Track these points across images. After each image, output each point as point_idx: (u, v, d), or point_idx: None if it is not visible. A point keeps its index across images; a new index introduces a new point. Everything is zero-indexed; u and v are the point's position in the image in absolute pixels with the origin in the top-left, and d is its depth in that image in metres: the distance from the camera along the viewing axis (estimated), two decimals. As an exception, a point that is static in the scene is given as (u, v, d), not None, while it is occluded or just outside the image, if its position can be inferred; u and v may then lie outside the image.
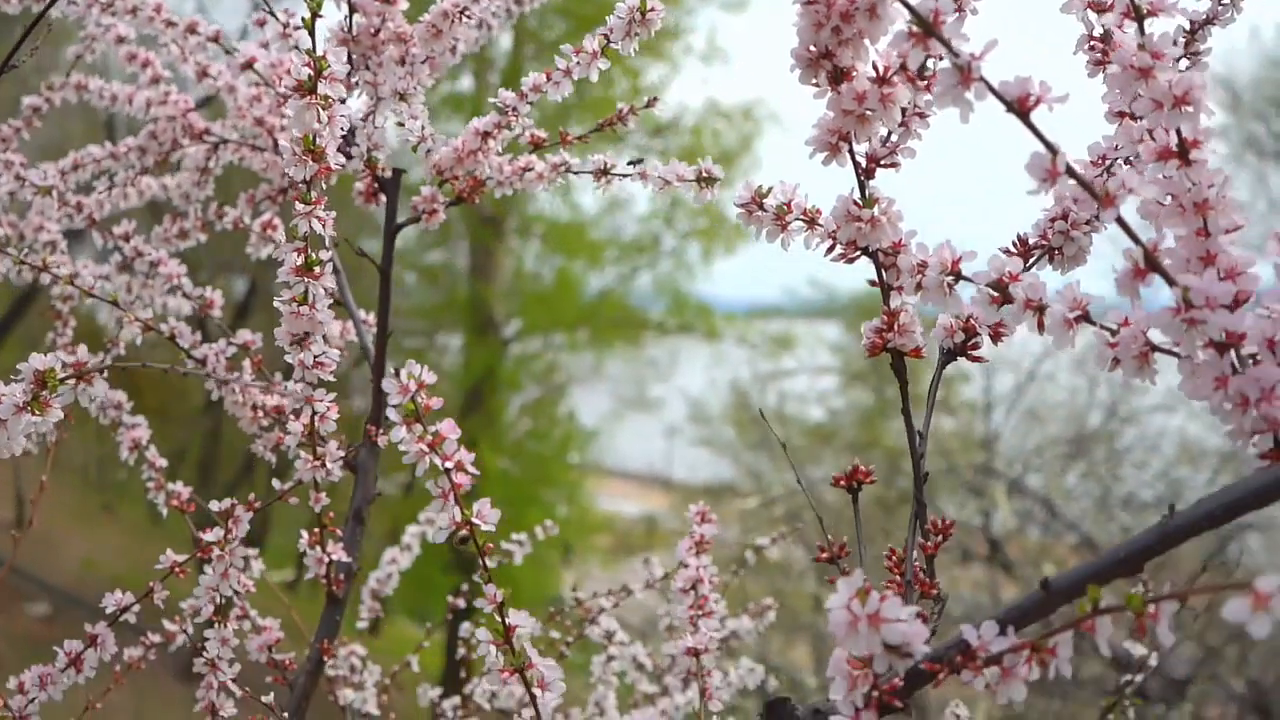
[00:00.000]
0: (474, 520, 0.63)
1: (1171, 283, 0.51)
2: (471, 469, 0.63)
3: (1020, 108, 0.51)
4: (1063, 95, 0.51)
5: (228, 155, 1.23)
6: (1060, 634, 0.50)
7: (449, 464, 0.62)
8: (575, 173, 0.96)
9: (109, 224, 1.22)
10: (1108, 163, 0.70)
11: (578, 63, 0.87)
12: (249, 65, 1.07)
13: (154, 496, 1.09)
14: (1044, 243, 0.69)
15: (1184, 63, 0.72)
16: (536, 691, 0.65)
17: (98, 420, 1.10)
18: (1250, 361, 0.52)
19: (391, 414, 0.62)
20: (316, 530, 0.96)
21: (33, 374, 0.67)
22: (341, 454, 0.91)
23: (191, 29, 1.11)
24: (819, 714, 0.57)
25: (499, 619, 0.65)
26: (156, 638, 1.12)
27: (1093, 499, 6.87)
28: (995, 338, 0.67)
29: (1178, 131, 0.54)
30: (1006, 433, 7.78)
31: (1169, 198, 0.54)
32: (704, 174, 0.84)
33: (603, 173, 0.94)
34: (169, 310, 1.19)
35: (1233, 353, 0.53)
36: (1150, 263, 0.52)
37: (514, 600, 0.68)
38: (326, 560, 0.97)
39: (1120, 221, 0.52)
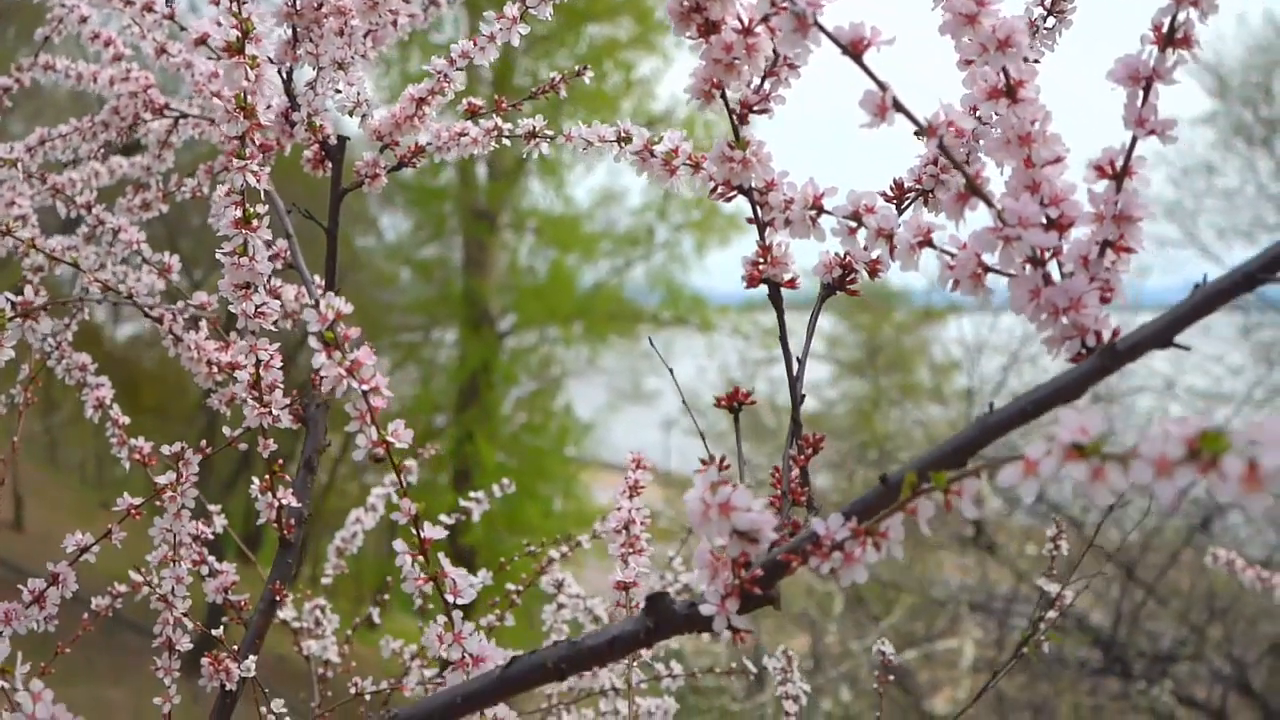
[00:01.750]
0: (389, 439, 0.69)
1: (990, 205, 0.57)
2: (387, 392, 0.69)
3: (854, 50, 0.57)
4: (890, 38, 0.57)
5: (188, 130, 1.29)
6: (889, 517, 0.55)
7: (366, 387, 0.68)
8: (508, 137, 1.02)
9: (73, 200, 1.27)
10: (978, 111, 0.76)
11: (500, 28, 0.94)
12: (202, 41, 1.13)
13: (117, 452, 1.15)
14: (918, 185, 0.75)
15: (1050, 20, 0.79)
16: (449, 598, 0.71)
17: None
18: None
19: (312, 342, 0.68)
20: (268, 477, 1.02)
21: (-15, 314, 0.73)
22: (286, 401, 0.97)
23: (148, 7, 1.16)
24: (693, 607, 0.63)
25: (414, 532, 0.71)
26: (123, 587, 1.18)
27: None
28: (872, 273, 0.73)
29: (1004, 71, 0.60)
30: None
31: (998, 132, 0.60)
32: (623, 134, 0.90)
33: (531, 135, 1.00)
34: (141, 285, 1.25)
35: (1055, 267, 0.59)
36: (971, 188, 0.57)
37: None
38: (277, 505, 1.03)
39: (944, 151, 0.58)
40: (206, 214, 1.31)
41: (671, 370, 0.89)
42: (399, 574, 0.72)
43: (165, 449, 0.95)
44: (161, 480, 0.95)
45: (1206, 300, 0.53)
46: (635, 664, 1.26)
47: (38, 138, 1.28)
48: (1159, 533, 6.35)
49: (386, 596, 1.58)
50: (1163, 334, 0.53)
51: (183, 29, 1.17)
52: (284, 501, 1.03)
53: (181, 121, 1.27)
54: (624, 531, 1.03)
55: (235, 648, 1.01)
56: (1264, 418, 0.38)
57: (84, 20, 1.27)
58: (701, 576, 0.60)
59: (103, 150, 1.26)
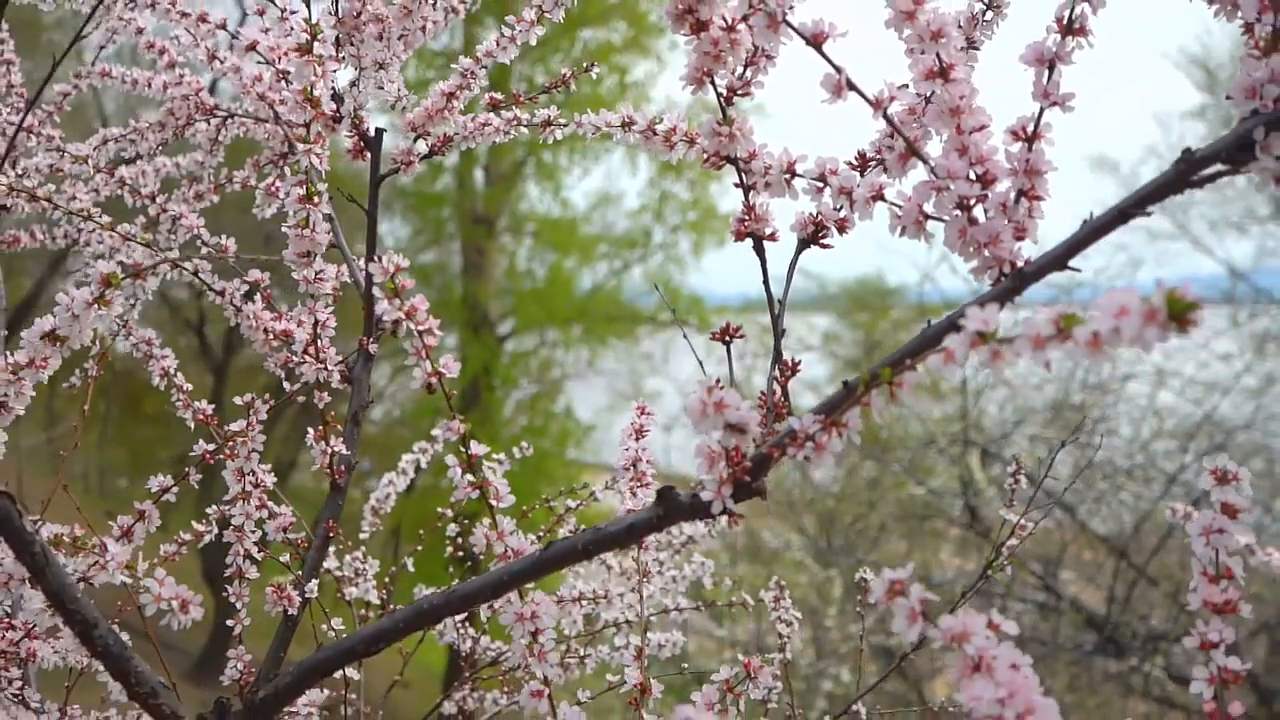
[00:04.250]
0: (441, 370, 0.84)
1: (926, 163, 0.72)
2: (437, 331, 0.83)
3: (816, 42, 0.72)
4: (844, 32, 0.71)
5: (234, 128, 1.43)
6: (848, 409, 0.70)
7: (421, 328, 0.83)
8: (526, 125, 1.16)
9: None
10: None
11: (520, 30, 1.08)
12: (252, 47, 1.27)
13: (182, 414, 1.29)
14: (878, 156, 0.90)
15: (989, 13, 0.93)
16: (494, 501, 0.85)
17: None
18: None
19: (376, 291, 0.82)
20: (322, 427, 1.17)
21: (99, 276, 0.87)
22: (340, 358, 1.11)
23: (202, 19, 1.31)
24: (695, 496, 0.77)
25: (463, 449, 0.85)
26: (187, 536, 1.32)
27: (1070, 467, 7.08)
28: (840, 229, 0.88)
29: (938, 57, 0.74)
30: (991, 408, 8.01)
31: (932, 105, 0.75)
32: (626, 120, 1.04)
33: (547, 123, 1.15)
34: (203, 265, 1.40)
35: (981, 211, 0.74)
36: (910, 149, 0.72)
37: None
38: (330, 453, 1.18)
39: (888, 120, 0.72)
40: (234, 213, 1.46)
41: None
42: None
43: (237, 399, 1.09)
44: (234, 427, 1.10)
45: (1093, 231, 0.67)
46: (647, 600, 1.40)
47: (100, 138, 1.43)
48: (1150, 516, 6.50)
49: (415, 555, 1.72)
50: (1060, 259, 0.68)
51: (234, 37, 1.32)
52: (336, 449, 1.18)
53: (229, 120, 1.42)
54: (632, 468, 1.18)
55: (296, 575, 1.15)
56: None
57: (140, 31, 1.42)
58: (700, 467, 0.74)
59: (160, 148, 1.40)
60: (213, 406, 1.24)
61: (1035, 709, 0.58)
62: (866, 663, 5.69)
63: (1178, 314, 0.48)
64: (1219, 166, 0.66)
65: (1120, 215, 0.66)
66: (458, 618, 1.52)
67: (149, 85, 1.45)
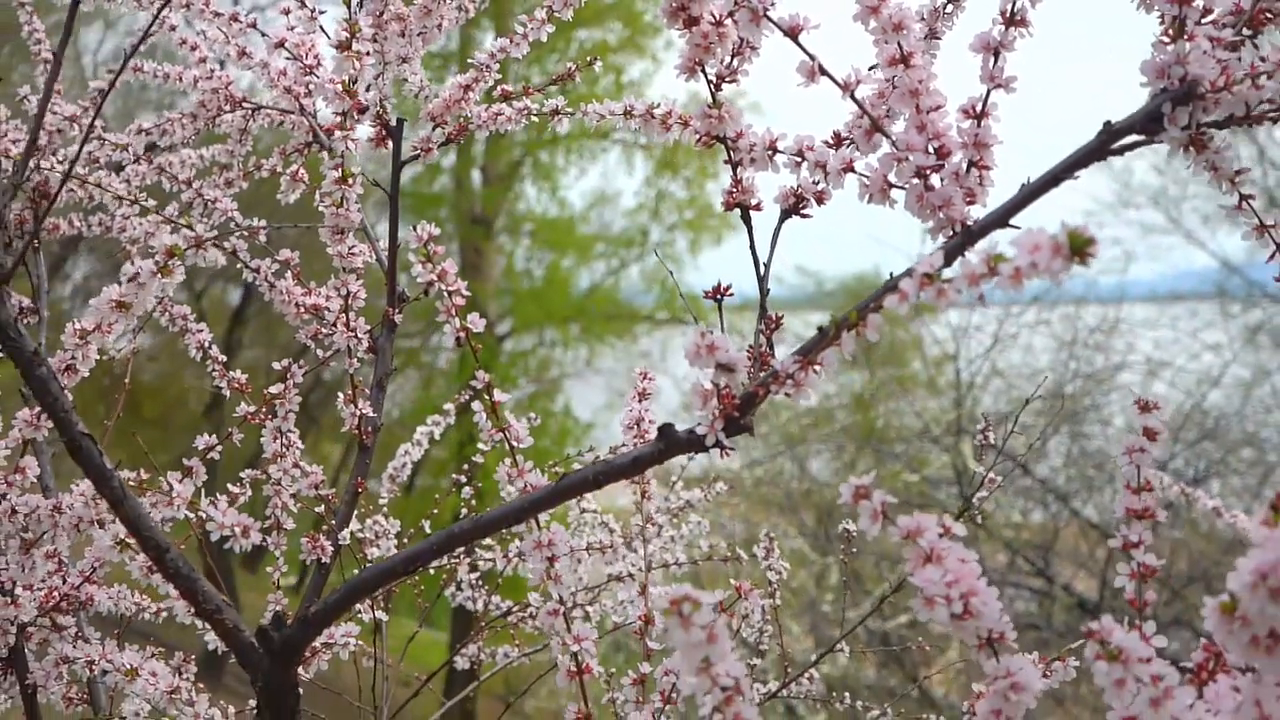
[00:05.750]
0: (468, 326, 0.95)
1: (888, 137, 0.83)
2: (465, 293, 0.94)
3: (792, 33, 0.83)
4: (817, 24, 0.83)
5: (261, 120, 1.55)
6: (823, 350, 0.81)
7: (451, 289, 0.94)
8: (535, 115, 1.28)
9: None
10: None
11: (531, 28, 1.20)
12: (281, 44, 1.39)
13: (218, 383, 1.40)
14: (850, 135, 1.01)
15: (949, 6, 1.04)
16: (514, 442, 0.96)
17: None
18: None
19: (412, 256, 0.93)
20: (350, 391, 1.28)
21: (164, 247, 0.98)
22: (369, 327, 1.23)
23: (234, 18, 1.42)
24: (691, 431, 0.88)
25: (488, 396, 0.97)
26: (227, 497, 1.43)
27: (1062, 456, 7.22)
28: (819, 200, 0.99)
29: (899, 46, 0.86)
30: (986, 398, 8.14)
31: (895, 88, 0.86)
32: (628, 109, 1.16)
33: (555, 113, 1.26)
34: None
35: (937, 179, 0.85)
36: (875, 127, 0.84)
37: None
38: (358, 414, 1.29)
39: (856, 102, 0.84)
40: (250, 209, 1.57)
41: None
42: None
43: (275, 364, 1.21)
44: (273, 390, 1.21)
45: (1029, 194, 0.79)
46: (649, 555, 1.52)
47: (136, 127, 1.54)
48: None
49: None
50: (1001, 219, 0.79)
51: (264, 35, 1.43)
52: (364, 412, 1.29)
53: (256, 112, 1.53)
54: (635, 427, 1.29)
55: (329, 525, 1.27)
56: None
57: (174, 29, 1.53)
58: (695, 404, 0.86)
59: (193, 137, 1.51)
60: (246, 379, 1.35)
61: (977, 591, 0.70)
62: (856, 643, 5.82)
63: (1078, 248, 0.59)
64: (1135, 137, 0.77)
65: (1053, 179, 0.78)
66: (472, 576, 1.64)
67: (180, 79, 1.56)
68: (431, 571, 1.73)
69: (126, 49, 1.68)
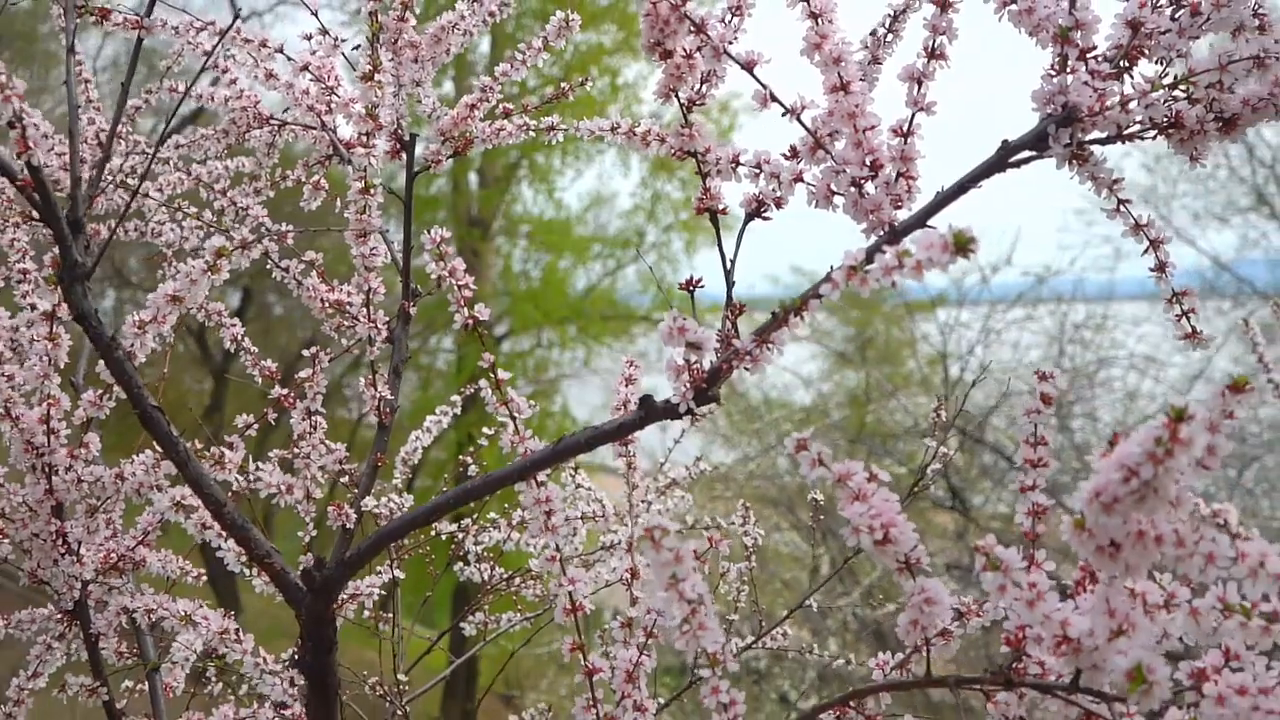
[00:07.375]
0: (476, 315, 1.11)
1: (829, 153, 1.00)
2: (472, 286, 1.11)
3: (748, 66, 0.99)
4: (769, 59, 0.99)
5: (286, 135, 1.71)
6: (774, 329, 0.97)
7: (460, 282, 1.10)
8: (534, 130, 1.44)
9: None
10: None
11: (529, 54, 1.36)
12: (304, 68, 1.55)
13: (251, 370, 1.57)
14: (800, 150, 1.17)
15: (889, 36, 1.21)
16: (516, 414, 1.13)
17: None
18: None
19: (426, 254, 1.09)
20: (370, 375, 1.45)
21: (212, 250, 1.15)
22: (387, 319, 1.39)
23: (263, 44, 1.59)
24: (667, 402, 1.05)
25: (493, 375, 1.13)
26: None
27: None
28: (777, 205, 1.16)
29: (839, 75, 1.02)
30: (976, 394, 8.32)
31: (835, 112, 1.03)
32: (615, 125, 1.32)
33: (552, 128, 1.43)
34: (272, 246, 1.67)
35: (871, 188, 1.02)
36: (817, 143, 1.00)
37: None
38: (378, 397, 1.45)
39: (801, 123, 1.00)
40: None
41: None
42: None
43: (306, 351, 1.37)
44: (301, 374, 1.38)
45: (940, 202, 0.95)
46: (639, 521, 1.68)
47: (173, 143, 1.70)
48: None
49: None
50: (919, 221, 0.96)
51: (289, 59, 1.59)
52: (383, 395, 1.45)
53: (283, 128, 1.69)
54: (622, 409, 1.45)
55: (352, 494, 1.43)
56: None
57: (207, 54, 1.69)
58: (669, 377, 1.02)
59: (226, 151, 1.68)
60: (276, 366, 1.51)
61: (895, 523, 0.86)
62: (847, 633, 5.99)
63: (961, 245, 0.76)
64: (1029, 153, 0.94)
65: (959, 188, 0.94)
66: (480, 546, 1.80)
67: (211, 99, 1.72)
68: (442, 537, 1.89)
69: (129, 55, 1.84)
